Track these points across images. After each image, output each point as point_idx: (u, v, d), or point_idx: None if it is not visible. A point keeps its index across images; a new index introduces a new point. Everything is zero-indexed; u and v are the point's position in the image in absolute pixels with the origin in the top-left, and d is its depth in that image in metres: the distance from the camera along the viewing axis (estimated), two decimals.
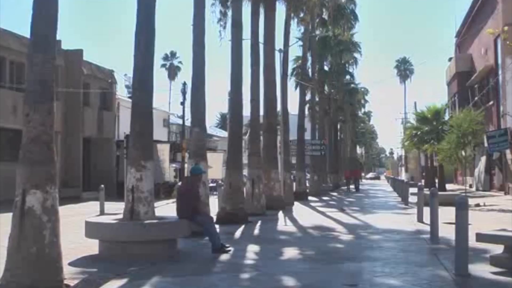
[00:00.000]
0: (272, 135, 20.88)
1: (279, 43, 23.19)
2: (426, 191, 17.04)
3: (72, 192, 27.52)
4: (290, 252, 9.61)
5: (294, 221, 15.86)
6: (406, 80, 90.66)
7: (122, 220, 9.28)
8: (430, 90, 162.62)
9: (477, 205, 20.81)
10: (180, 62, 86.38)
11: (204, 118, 12.88)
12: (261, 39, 20.00)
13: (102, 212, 16.98)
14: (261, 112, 20.15)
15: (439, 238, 10.90)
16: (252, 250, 9.92)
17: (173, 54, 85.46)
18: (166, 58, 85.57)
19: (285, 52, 23.08)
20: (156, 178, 30.24)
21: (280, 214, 17.52)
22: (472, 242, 7.66)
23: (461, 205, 7.54)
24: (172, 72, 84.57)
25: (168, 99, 76.67)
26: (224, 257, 9.02)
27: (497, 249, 8.29)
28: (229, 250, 9.38)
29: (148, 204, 9.29)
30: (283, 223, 14.84)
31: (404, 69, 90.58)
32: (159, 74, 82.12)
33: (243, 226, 13.90)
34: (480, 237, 8.22)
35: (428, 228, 12.51)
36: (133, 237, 8.75)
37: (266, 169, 20.15)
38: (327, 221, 15.71)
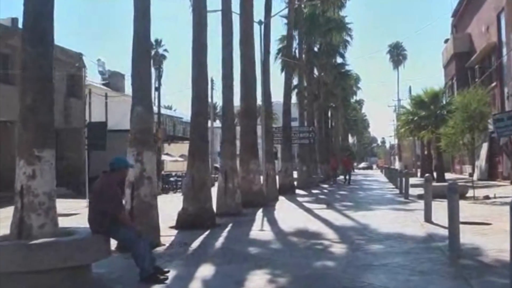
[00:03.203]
0: (251, 121, 17.75)
1: (259, 15, 20.24)
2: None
3: None
4: (258, 280, 6.61)
5: (273, 223, 12.87)
6: (399, 65, 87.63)
7: (7, 238, 6.29)
8: (424, 76, 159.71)
9: (487, 197, 18.32)
10: (165, 50, 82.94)
11: (150, 94, 9.77)
12: (236, 9, 17.05)
13: None
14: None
15: (461, 247, 8.06)
16: (202, 275, 6.90)
17: (157, 42, 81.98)
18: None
19: (266, 24, 19.98)
20: None
21: (259, 213, 14.53)
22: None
23: None
24: (157, 60, 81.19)
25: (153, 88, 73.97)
26: None
27: None
28: (165, 278, 6.43)
29: (46, 212, 6.31)
30: (258, 227, 11.83)
31: (397, 54, 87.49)
32: None
33: (207, 232, 10.99)
34: None
35: (440, 231, 10.14)
36: (16, 265, 5.73)
37: (244, 159, 17.27)
38: (314, 222, 12.74)
